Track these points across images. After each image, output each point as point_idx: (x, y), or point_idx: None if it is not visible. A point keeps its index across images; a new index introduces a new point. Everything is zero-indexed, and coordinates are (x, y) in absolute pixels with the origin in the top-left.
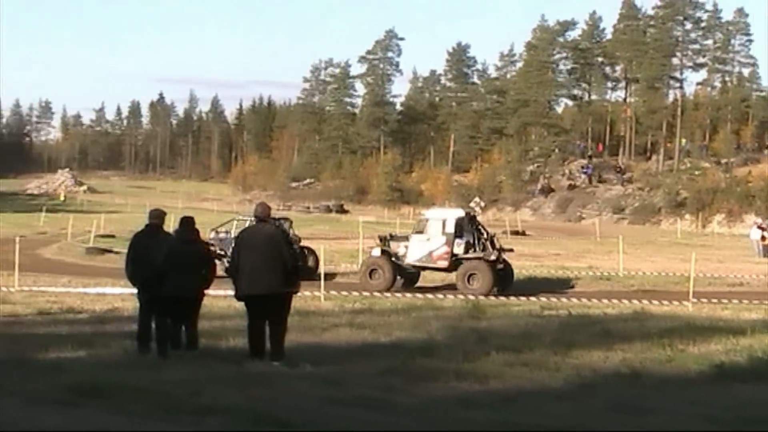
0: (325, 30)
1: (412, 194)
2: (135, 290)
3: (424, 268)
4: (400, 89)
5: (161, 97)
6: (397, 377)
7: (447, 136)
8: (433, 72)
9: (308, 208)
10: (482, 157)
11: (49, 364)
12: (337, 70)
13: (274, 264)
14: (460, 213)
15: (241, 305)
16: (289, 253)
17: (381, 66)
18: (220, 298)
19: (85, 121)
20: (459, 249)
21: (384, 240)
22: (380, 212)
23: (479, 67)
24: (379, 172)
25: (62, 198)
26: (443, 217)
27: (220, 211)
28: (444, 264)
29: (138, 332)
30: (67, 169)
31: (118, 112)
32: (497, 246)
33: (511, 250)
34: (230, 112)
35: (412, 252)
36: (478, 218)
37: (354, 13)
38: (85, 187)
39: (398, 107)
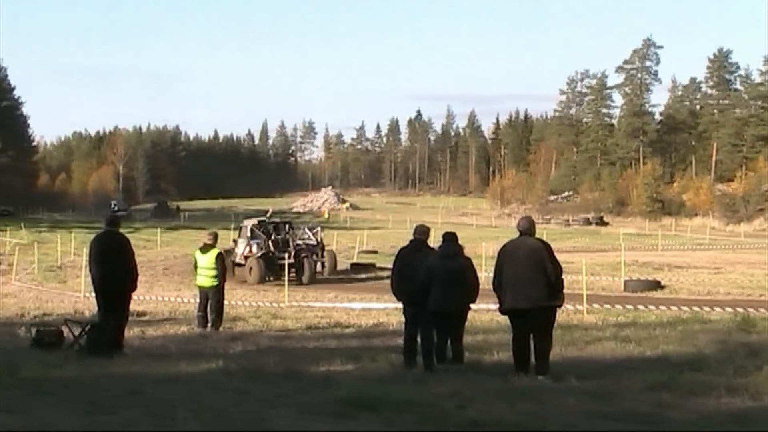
0: (580, 41)
1: (673, 205)
2: (400, 305)
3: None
4: (658, 98)
5: (419, 114)
6: (665, 392)
7: (708, 144)
8: (693, 80)
9: (567, 221)
10: (747, 166)
11: (319, 377)
12: (594, 81)
13: (538, 277)
14: (254, 221)
15: (504, 319)
16: (553, 266)
17: (639, 75)
18: (483, 312)
19: (347, 139)
20: (254, 249)
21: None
22: (641, 224)
23: (742, 72)
24: (638, 183)
25: (326, 216)
26: (248, 224)
27: (479, 226)
28: (242, 261)
29: (404, 346)
30: (330, 187)
31: (378, 130)
32: (294, 245)
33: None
34: (487, 126)
35: (237, 252)
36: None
37: (610, 23)
38: (347, 205)
39: (657, 117)
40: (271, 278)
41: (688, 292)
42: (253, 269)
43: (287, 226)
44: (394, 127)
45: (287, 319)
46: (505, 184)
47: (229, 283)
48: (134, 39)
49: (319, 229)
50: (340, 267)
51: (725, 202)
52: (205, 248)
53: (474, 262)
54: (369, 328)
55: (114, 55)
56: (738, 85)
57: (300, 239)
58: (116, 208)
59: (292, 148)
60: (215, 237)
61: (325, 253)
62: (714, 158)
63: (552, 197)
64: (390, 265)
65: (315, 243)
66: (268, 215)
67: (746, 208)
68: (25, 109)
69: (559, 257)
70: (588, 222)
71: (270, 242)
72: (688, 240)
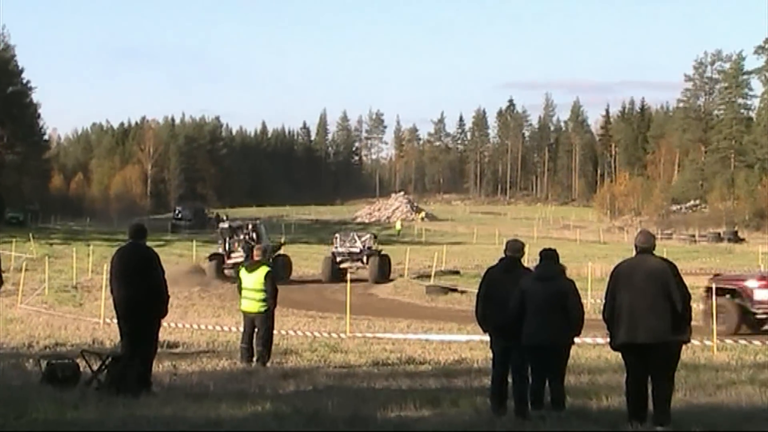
0: (711, 16)
1: None
2: (487, 337)
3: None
4: None
5: (511, 104)
6: None
7: None
8: None
9: (693, 236)
10: None
11: (389, 424)
12: (728, 65)
13: (661, 305)
14: (225, 225)
15: (616, 356)
16: (680, 292)
17: None
18: (590, 347)
19: (422, 134)
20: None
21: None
22: None
23: None
24: None
25: (398, 228)
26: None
27: (584, 242)
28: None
29: (492, 388)
30: (402, 193)
31: (461, 123)
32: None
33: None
34: (594, 120)
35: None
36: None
37: None
38: (422, 214)
39: None
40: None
41: None
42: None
43: (250, 227)
44: (480, 120)
45: (349, 353)
46: (617, 190)
47: (279, 308)
48: (166, 15)
49: (370, 236)
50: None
51: None
52: (252, 266)
53: (578, 285)
54: (449, 365)
55: (143, 34)
56: None
57: (345, 246)
58: (180, 216)
59: (357, 144)
60: (264, 252)
61: (369, 260)
62: None
63: (675, 207)
64: (475, 289)
65: (359, 249)
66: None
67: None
68: (36, 97)
69: (686, 279)
70: (719, 238)
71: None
72: None
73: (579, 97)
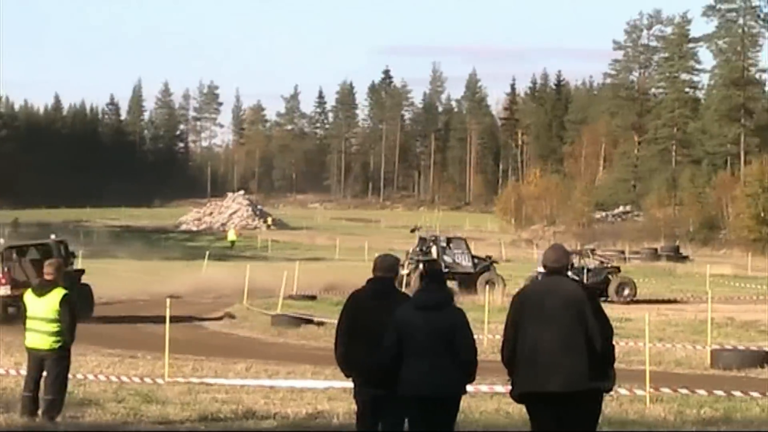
0: None
1: None
2: (351, 384)
3: None
4: None
5: (387, 76)
6: None
7: None
8: None
9: (623, 252)
10: None
11: None
12: (669, 30)
13: (578, 343)
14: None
15: (520, 409)
16: (600, 326)
17: (741, 21)
18: (486, 397)
19: (270, 115)
20: None
21: None
22: (741, 260)
23: None
24: (738, 193)
25: (231, 238)
26: None
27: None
28: None
29: None
30: (242, 192)
31: (321, 100)
32: None
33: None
34: (496, 98)
35: None
36: None
37: None
38: (269, 221)
39: None
40: None
41: None
42: None
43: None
44: (346, 96)
45: (168, 405)
46: (525, 191)
47: (76, 345)
48: None
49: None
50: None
51: None
52: (42, 288)
53: (472, 316)
54: (301, 420)
55: None
56: None
57: None
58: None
59: (182, 127)
60: (59, 269)
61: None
62: None
63: (600, 214)
64: (336, 320)
65: None
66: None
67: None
68: None
69: (610, 312)
70: (656, 255)
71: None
72: None
73: (476, 68)
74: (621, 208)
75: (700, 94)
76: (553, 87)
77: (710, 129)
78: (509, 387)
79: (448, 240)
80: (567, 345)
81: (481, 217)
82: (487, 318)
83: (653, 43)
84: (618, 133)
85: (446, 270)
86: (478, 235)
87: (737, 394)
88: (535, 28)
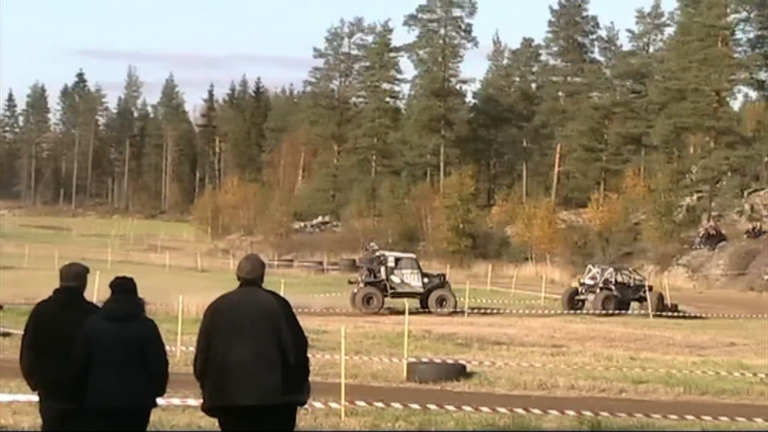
0: None
1: (491, 242)
2: (36, 397)
3: None
4: (472, 70)
5: (81, 79)
6: None
7: (550, 146)
8: (527, 41)
9: (321, 264)
10: (608, 183)
11: None
12: (371, 38)
13: (272, 356)
14: None
15: (213, 423)
16: (294, 338)
17: (442, 31)
18: (178, 410)
19: None
20: None
21: None
22: (439, 269)
23: (603, 33)
24: (437, 204)
25: None
26: None
27: (177, 268)
28: None
29: None
30: None
31: (10, 103)
32: None
33: None
34: (194, 104)
35: None
36: None
37: None
38: None
39: (470, 99)
40: None
41: (509, 383)
42: None
43: None
44: (38, 100)
45: None
46: (222, 200)
47: None
48: None
49: None
50: None
51: (573, 241)
52: None
53: (165, 327)
54: None
55: None
56: (596, 54)
57: None
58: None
59: None
60: None
61: None
62: (557, 169)
63: (299, 224)
64: (21, 331)
65: None
66: None
67: (605, 250)
68: None
69: (306, 323)
70: (354, 266)
71: None
72: (513, 299)
73: (174, 74)
74: (320, 219)
75: (401, 104)
76: (252, 94)
77: (410, 139)
78: (201, 400)
79: (397, 259)
80: (261, 357)
81: (177, 226)
82: (180, 329)
83: (354, 52)
84: (318, 142)
85: (393, 290)
86: (174, 245)
87: (432, 407)
88: (235, 34)
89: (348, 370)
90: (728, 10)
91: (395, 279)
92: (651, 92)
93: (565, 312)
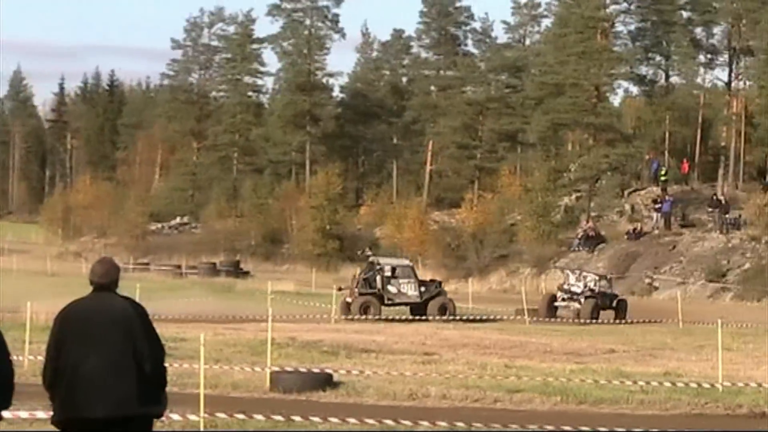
0: None
1: (358, 245)
2: None
3: None
4: (340, 63)
5: None
6: None
7: (422, 144)
8: (398, 33)
9: (179, 267)
10: (482, 182)
11: None
12: (232, 28)
13: (127, 365)
14: None
15: None
16: (150, 347)
17: (307, 23)
18: (26, 423)
19: None
20: None
21: None
22: (305, 275)
23: (477, 25)
24: (303, 205)
25: None
26: None
27: (25, 272)
28: None
29: None
30: None
31: None
32: None
33: None
34: (43, 99)
35: None
36: None
37: None
38: None
39: (337, 94)
40: None
41: (377, 393)
42: None
43: None
44: None
45: None
46: (74, 200)
47: None
48: None
49: None
50: None
51: (446, 242)
52: None
53: (12, 335)
54: None
55: None
56: (471, 47)
57: None
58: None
59: None
60: None
61: None
62: (429, 167)
63: (155, 226)
64: None
65: None
66: None
67: (479, 252)
68: None
69: (162, 330)
70: (215, 270)
71: None
72: None
73: (21, 65)
74: (178, 219)
75: (264, 99)
76: (106, 88)
77: (274, 136)
78: (51, 413)
79: (393, 268)
80: (114, 367)
81: (26, 228)
82: (28, 337)
83: (215, 43)
84: (176, 139)
85: (390, 301)
86: (22, 248)
87: (297, 419)
88: (87, 23)
89: (207, 380)
90: (608, 2)
91: (392, 289)
92: (527, 87)
93: (544, 319)
